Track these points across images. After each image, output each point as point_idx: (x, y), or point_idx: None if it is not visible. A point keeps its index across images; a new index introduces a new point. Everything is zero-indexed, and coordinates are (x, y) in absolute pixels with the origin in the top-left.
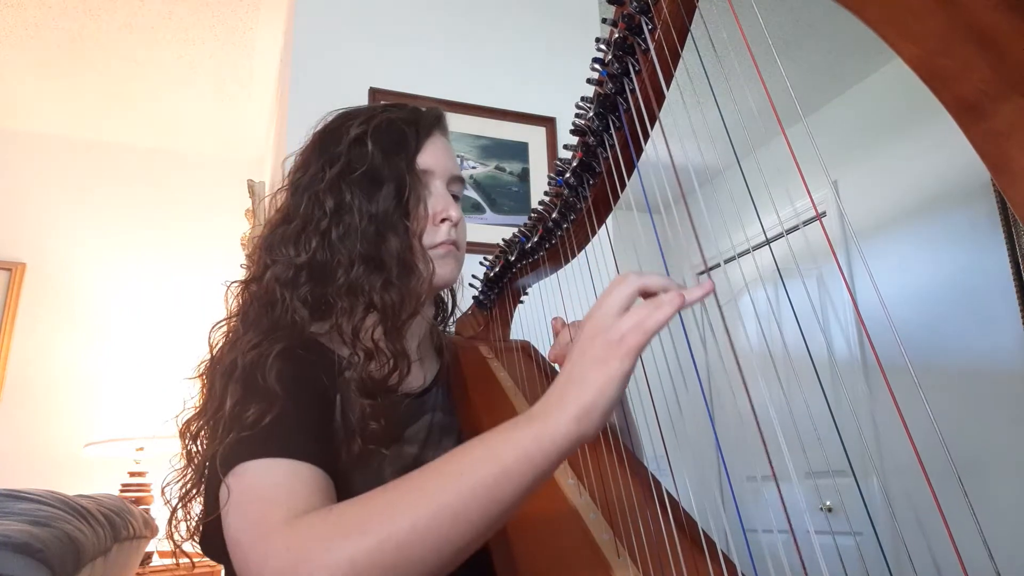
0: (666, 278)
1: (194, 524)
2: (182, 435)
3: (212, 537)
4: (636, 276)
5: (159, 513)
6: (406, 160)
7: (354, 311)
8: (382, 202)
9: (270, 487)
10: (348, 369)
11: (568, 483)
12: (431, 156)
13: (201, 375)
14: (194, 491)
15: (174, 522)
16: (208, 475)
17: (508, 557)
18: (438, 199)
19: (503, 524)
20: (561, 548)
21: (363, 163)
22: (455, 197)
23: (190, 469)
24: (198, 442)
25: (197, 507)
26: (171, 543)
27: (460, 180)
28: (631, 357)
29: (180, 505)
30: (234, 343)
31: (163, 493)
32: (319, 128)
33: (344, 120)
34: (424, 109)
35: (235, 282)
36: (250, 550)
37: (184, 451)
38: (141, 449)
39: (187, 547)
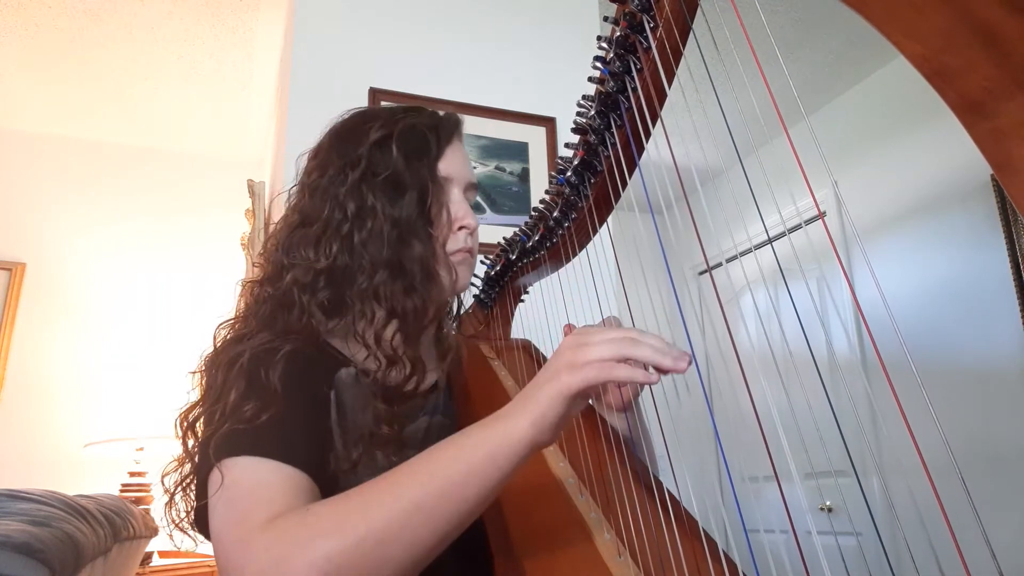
0: (660, 352)
1: (190, 510)
2: (180, 425)
3: (203, 513)
4: (638, 334)
5: (159, 512)
6: (428, 166)
7: (374, 315)
8: (405, 208)
9: (255, 486)
10: (351, 367)
11: (569, 482)
12: (450, 163)
13: (202, 368)
14: (191, 480)
15: (172, 507)
16: (199, 459)
17: (508, 550)
18: (457, 206)
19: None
20: (561, 546)
21: (386, 168)
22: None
23: (187, 460)
24: (196, 430)
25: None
26: (168, 523)
27: (475, 187)
28: (580, 376)
29: (178, 492)
30: (241, 338)
31: (162, 481)
32: (335, 127)
33: (362, 121)
34: (443, 114)
35: (250, 281)
36: (231, 549)
37: (182, 441)
38: (141, 449)
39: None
